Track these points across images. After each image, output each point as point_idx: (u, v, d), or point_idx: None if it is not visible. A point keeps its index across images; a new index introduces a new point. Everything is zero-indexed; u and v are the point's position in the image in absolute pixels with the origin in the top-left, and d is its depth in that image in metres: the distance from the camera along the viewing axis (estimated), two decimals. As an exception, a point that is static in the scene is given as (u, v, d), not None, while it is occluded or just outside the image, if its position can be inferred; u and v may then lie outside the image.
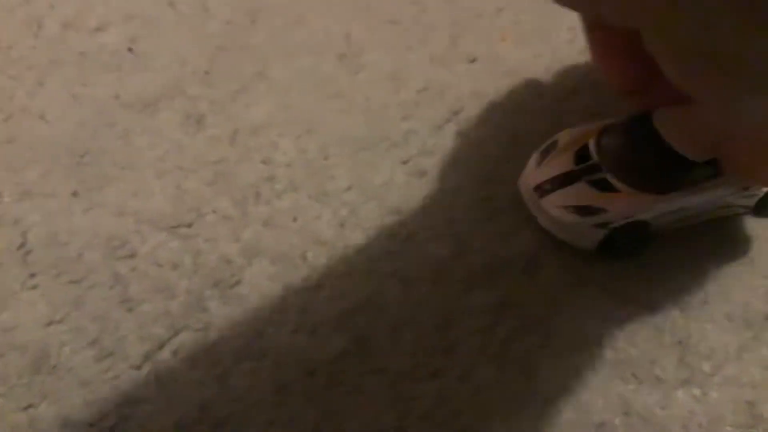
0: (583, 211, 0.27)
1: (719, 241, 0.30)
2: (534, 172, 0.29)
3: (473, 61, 0.38)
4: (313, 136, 0.33)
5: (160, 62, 0.36)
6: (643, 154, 0.26)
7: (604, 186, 0.27)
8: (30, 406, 0.25)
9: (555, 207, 0.27)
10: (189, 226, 0.29)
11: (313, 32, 0.39)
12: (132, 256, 0.28)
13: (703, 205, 0.27)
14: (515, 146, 0.33)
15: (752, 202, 0.28)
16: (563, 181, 0.27)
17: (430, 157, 0.33)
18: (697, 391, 0.27)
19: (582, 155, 0.28)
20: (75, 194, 0.30)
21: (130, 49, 0.37)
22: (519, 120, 0.35)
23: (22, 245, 0.28)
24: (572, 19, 0.40)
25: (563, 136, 0.29)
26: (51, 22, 0.37)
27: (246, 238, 0.29)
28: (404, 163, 0.33)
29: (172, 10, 0.39)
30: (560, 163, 0.28)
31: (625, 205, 0.26)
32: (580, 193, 0.27)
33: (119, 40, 0.37)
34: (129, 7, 0.38)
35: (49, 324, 0.26)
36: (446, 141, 0.34)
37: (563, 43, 0.39)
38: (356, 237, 0.30)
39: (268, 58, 0.37)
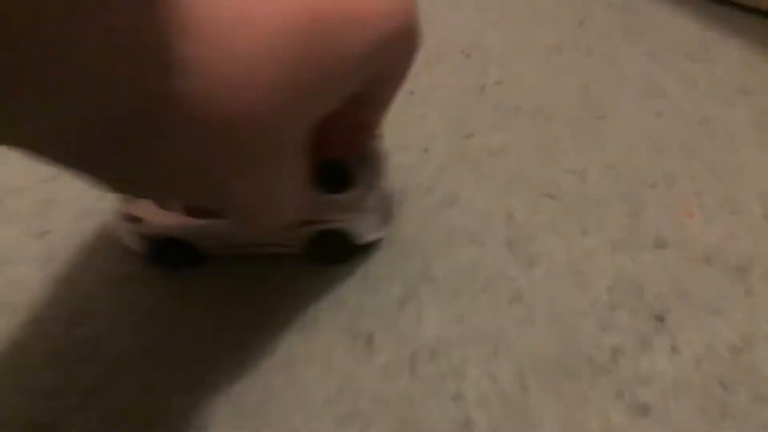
0: (130, 218, 0.29)
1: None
2: None
3: (661, 245, 0.33)
4: (502, 359, 0.28)
5: (311, 265, 0.32)
6: None
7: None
8: None
9: (119, 215, 0.30)
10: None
11: (469, 213, 0.35)
12: None
13: (244, 238, 0.29)
14: (736, 365, 0.28)
15: (296, 244, 0.30)
16: None
17: (647, 386, 0.28)
18: None
19: None
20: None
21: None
22: (743, 326, 0.29)
23: None
24: (762, 185, 0.35)
25: None
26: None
27: None
28: (618, 396, 0.27)
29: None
30: None
31: (156, 219, 0.29)
32: (141, 205, 0.29)
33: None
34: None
35: None
36: (661, 361, 0.28)
37: (759, 218, 0.34)
38: None
39: (425, 250, 0.33)
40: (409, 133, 0.39)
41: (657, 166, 0.36)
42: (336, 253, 0.31)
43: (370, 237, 0.31)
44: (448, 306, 0.30)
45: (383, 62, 0.23)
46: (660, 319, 0.30)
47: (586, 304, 0.30)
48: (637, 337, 0.29)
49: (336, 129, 0.29)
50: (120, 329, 0.29)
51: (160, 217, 0.29)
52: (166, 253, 0.30)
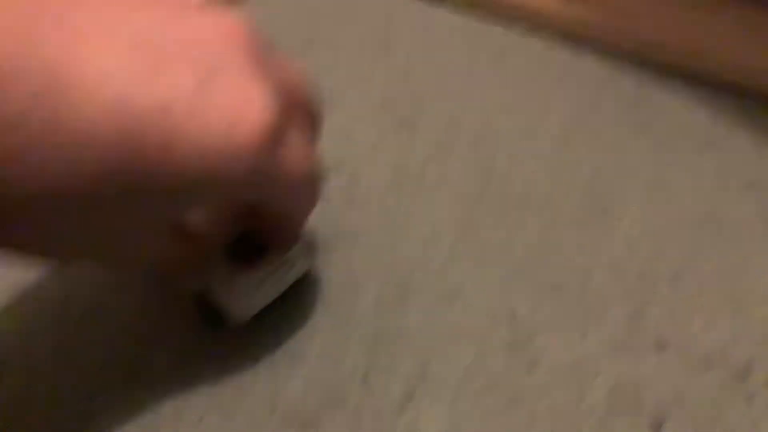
0: None
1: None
2: None
3: (662, 347, 0.33)
4: (499, 466, 0.29)
5: (315, 359, 0.33)
6: None
7: None
8: None
9: None
10: None
11: (472, 310, 0.35)
12: None
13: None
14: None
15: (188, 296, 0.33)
16: None
17: (642, 499, 0.28)
18: None
19: None
20: None
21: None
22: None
23: None
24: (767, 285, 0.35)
25: None
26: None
27: None
28: (613, 508, 0.27)
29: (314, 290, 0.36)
30: None
31: None
32: None
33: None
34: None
35: None
36: (657, 472, 0.28)
37: (761, 320, 0.34)
38: None
39: (427, 348, 0.34)
40: (416, 224, 0.40)
41: (661, 263, 0.37)
42: (209, 320, 0.33)
43: (230, 320, 0.32)
44: (448, 409, 0.31)
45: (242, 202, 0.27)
46: (657, 427, 0.30)
47: (584, 408, 0.31)
48: (635, 445, 0.29)
49: (258, 213, 0.29)
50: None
51: None
52: None
